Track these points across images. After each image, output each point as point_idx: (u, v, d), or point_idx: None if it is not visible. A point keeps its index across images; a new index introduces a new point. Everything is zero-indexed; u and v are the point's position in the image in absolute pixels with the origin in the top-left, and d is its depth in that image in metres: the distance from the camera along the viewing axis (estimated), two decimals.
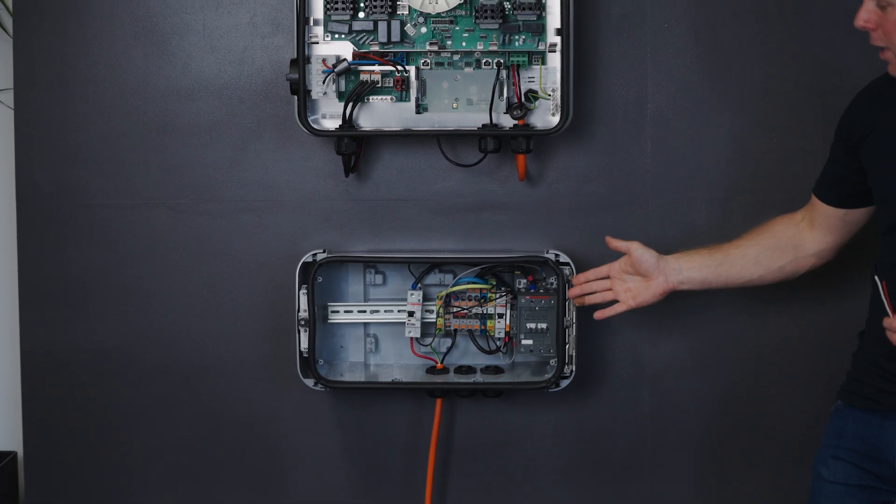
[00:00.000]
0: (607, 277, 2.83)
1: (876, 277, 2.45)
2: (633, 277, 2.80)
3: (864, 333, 2.59)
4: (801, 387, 3.07)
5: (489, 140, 2.95)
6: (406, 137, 3.03)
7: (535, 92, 2.95)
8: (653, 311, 2.98)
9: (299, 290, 2.93)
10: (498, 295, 3.01)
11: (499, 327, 3.00)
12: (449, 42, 2.94)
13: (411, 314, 3.00)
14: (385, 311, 3.04)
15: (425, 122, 2.98)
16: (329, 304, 3.03)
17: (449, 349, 3.06)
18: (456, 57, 2.95)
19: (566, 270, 2.93)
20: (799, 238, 2.73)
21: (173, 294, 3.10)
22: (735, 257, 2.75)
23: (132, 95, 3.07)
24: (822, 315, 3.05)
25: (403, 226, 3.07)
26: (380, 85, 2.96)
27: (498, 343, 3.04)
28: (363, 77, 2.95)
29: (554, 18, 2.92)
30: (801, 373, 3.07)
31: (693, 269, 2.77)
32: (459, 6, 2.91)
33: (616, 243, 2.80)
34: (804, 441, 3.05)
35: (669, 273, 2.77)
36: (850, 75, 2.96)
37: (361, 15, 2.93)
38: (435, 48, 2.93)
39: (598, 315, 2.83)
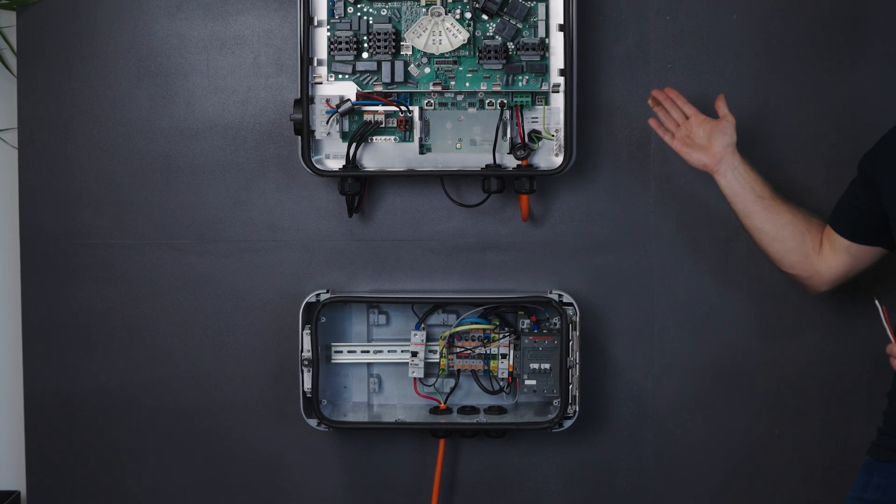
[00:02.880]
0: (685, 117, 2.84)
1: (877, 302, 2.46)
2: (701, 134, 2.80)
3: (892, 392, 2.60)
4: (805, 427, 3.07)
5: (493, 180, 2.95)
6: (409, 178, 3.04)
7: (539, 132, 2.95)
8: (656, 350, 2.99)
9: (303, 331, 2.93)
10: (501, 335, 3.00)
11: (502, 367, 3.00)
12: (452, 82, 2.94)
13: (415, 354, 2.99)
14: (388, 352, 3.03)
15: (429, 163, 2.98)
16: (332, 344, 3.03)
17: (452, 389, 3.05)
18: (459, 97, 2.96)
19: (570, 311, 2.93)
20: (817, 246, 2.75)
21: (176, 334, 3.10)
22: (773, 206, 2.77)
23: (136, 135, 3.07)
24: (828, 356, 3.04)
25: (407, 266, 3.07)
26: (383, 125, 2.96)
27: (501, 383, 3.03)
28: (367, 117, 2.96)
29: (557, 59, 2.92)
30: (805, 413, 3.07)
31: (743, 179, 2.77)
32: (463, 46, 2.91)
33: (721, 105, 2.80)
34: (809, 482, 3.06)
35: (726, 160, 2.77)
36: (856, 114, 2.97)
37: (365, 55, 2.94)
38: (438, 88, 2.94)
39: (652, 122, 2.86)
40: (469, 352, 3.01)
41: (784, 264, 2.78)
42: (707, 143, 2.79)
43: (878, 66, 2.99)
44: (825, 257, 2.74)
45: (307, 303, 2.95)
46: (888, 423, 2.57)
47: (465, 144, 2.97)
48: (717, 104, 2.81)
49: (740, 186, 2.77)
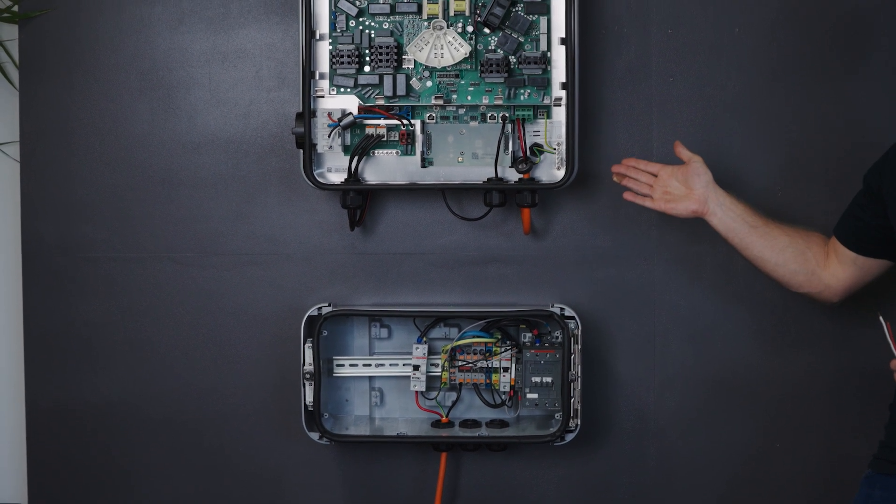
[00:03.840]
0: (655, 176, 2.82)
1: (881, 318, 2.45)
2: (677, 185, 2.79)
3: (893, 404, 2.59)
4: (807, 440, 3.06)
5: (494, 194, 2.96)
6: (411, 191, 3.04)
7: (541, 146, 2.96)
8: (658, 364, 3.00)
9: (304, 344, 2.93)
10: (503, 349, 3.00)
11: (504, 381, 3.00)
12: (454, 96, 2.94)
13: (416, 368, 2.99)
14: (390, 365, 3.03)
15: (431, 176, 2.98)
16: (334, 357, 3.03)
17: (454, 403, 3.05)
18: (461, 111, 2.96)
19: (571, 324, 2.93)
20: (822, 261, 2.74)
21: (178, 347, 3.10)
22: (768, 233, 2.76)
23: (138, 149, 3.07)
24: (829, 369, 3.04)
25: (409, 279, 3.08)
26: (385, 139, 2.96)
27: (503, 397, 3.03)
28: (369, 131, 2.96)
29: (559, 72, 2.92)
30: (807, 426, 3.06)
31: (732, 213, 2.76)
32: (465, 60, 2.91)
33: (682, 149, 2.80)
34: (810, 495, 3.05)
35: (712, 199, 2.77)
36: (857, 127, 2.97)
37: (367, 69, 2.94)
38: (440, 102, 2.94)
39: (627, 196, 2.84)
40: (471, 365, 3.01)
41: (793, 285, 2.77)
42: (686, 189, 2.78)
43: (882, 78, 2.99)
44: (833, 270, 2.73)
45: (309, 316, 2.95)
46: (890, 436, 2.56)
47: (467, 158, 2.97)
48: (677, 151, 2.81)
49: (732, 220, 2.76)
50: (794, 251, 2.75)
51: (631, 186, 2.84)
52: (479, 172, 2.97)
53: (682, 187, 2.78)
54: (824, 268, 2.73)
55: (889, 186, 2.54)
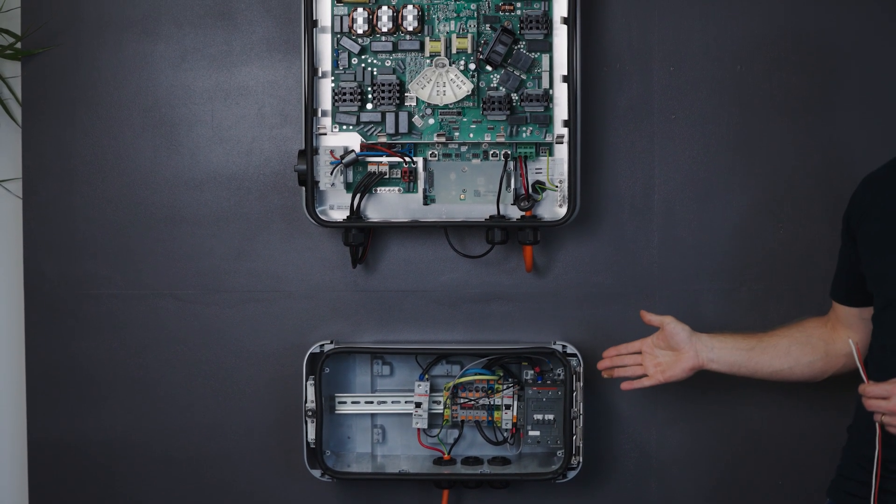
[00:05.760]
0: (639, 353, 2.81)
1: (850, 341, 2.45)
2: (663, 352, 2.78)
3: (851, 426, 2.58)
4: (811, 478, 3.06)
5: (497, 231, 2.96)
6: (413, 228, 3.04)
7: (543, 183, 2.96)
8: (660, 401, 3.00)
9: (306, 381, 2.93)
10: (505, 386, 3.01)
11: (506, 418, 3.00)
12: (456, 133, 2.95)
13: (418, 405, 2.99)
14: (392, 402, 3.03)
15: (433, 214, 2.98)
16: (336, 394, 3.03)
17: (456, 440, 3.05)
18: (463, 148, 2.96)
19: (573, 362, 2.93)
20: (829, 337, 2.71)
21: (180, 384, 3.10)
22: (767, 345, 2.74)
23: (140, 186, 3.08)
24: (835, 408, 3.02)
25: (411, 317, 3.08)
26: (387, 176, 2.97)
27: (505, 434, 3.03)
28: (371, 168, 2.96)
29: (561, 110, 2.93)
30: (811, 464, 3.06)
31: (725, 349, 2.75)
32: (467, 98, 2.92)
33: (650, 317, 2.79)
34: None
35: (701, 349, 2.75)
36: (858, 165, 2.97)
37: (369, 106, 2.95)
38: (442, 139, 2.94)
39: (625, 386, 2.81)
40: (473, 402, 3.01)
41: (818, 376, 2.74)
42: (674, 352, 2.77)
43: (884, 114, 2.99)
44: (843, 335, 2.68)
45: (311, 353, 2.95)
46: (847, 463, 2.55)
47: (469, 195, 2.97)
48: (646, 320, 2.79)
49: (729, 356, 2.75)
50: (798, 347, 2.73)
51: (622, 375, 2.83)
52: (481, 210, 2.97)
53: (669, 352, 2.78)
54: (834, 342, 2.70)
55: (856, 213, 2.53)
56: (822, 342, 2.71)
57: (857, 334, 2.65)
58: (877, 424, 2.37)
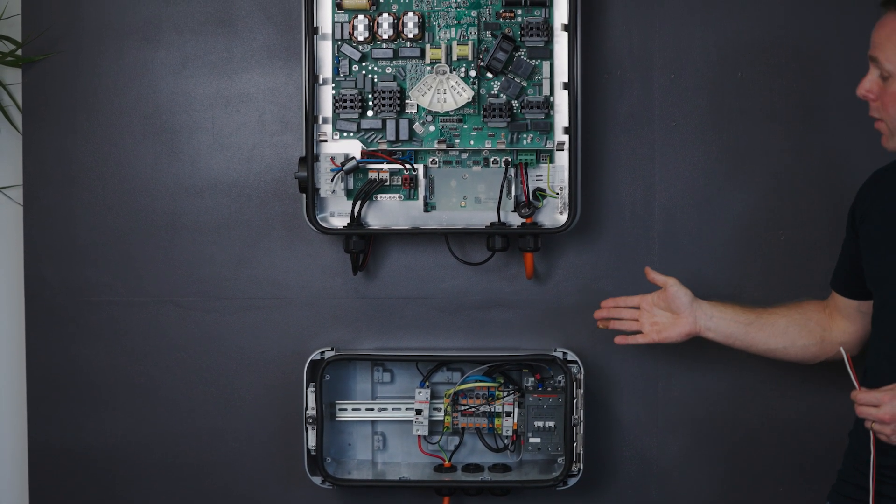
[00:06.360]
0: (637, 308, 2.82)
1: (841, 348, 2.45)
2: (662, 312, 2.79)
3: (852, 431, 2.59)
4: (811, 484, 3.06)
5: (497, 238, 2.96)
6: (414, 235, 3.04)
7: (543, 190, 2.96)
8: (660, 406, 3.00)
9: (307, 388, 2.92)
10: (506, 393, 3.00)
11: (506, 425, 3.00)
12: (457, 140, 2.95)
13: (419, 412, 2.99)
14: (393, 409, 3.03)
15: (433, 221, 2.98)
16: (337, 401, 3.03)
17: (457, 447, 3.06)
18: (464, 155, 2.97)
19: (574, 369, 2.93)
20: (826, 324, 2.72)
21: (181, 391, 3.10)
22: (765, 322, 2.75)
23: (141, 193, 3.08)
24: (834, 412, 3.03)
25: (411, 324, 3.08)
26: (388, 183, 2.97)
27: (506, 441, 3.03)
28: (371, 175, 2.96)
29: (562, 117, 2.93)
30: (811, 471, 3.06)
31: (723, 319, 2.76)
32: (468, 105, 2.92)
33: (654, 275, 2.80)
34: None
35: (700, 316, 2.76)
36: (858, 172, 2.96)
37: (370, 113, 2.95)
38: (443, 146, 2.94)
39: (619, 340, 2.82)
40: (473, 409, 3.01)
41: (809, 359, 2.76)
42: (672, 314, 2.78)
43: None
44: (841, 326, 2.70)
45: (312, 360, 2.95)
46: (847, 467, 2.55)
47: (470, 202, 2.97)
48: (650, 277, 2.80)
49: (726, 327, 2.76)
50: (796, 328, 2.74)
51: (618, 327, 2.84)
52: (481, 217, 2.97)
53: (668, 313, 2.79)
54: (831, 329, 2.72)
55: (860, 212, 2.54)
56: (819, 328, 2.72)
57: (852, 325, 2.68)
58: (870, 430, 2.38)
